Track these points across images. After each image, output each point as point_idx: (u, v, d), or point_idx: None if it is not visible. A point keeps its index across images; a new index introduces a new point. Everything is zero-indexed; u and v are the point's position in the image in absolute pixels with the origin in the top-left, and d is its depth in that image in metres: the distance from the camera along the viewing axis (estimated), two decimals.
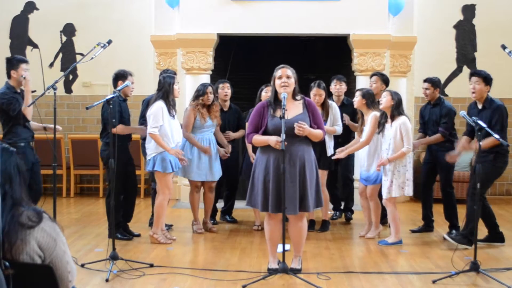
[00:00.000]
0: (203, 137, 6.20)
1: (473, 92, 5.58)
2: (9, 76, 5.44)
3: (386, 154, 5.72)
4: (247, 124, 4.95)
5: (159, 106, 5.57)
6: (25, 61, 5.52)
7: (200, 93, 6.21)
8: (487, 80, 5.55)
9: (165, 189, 5.70)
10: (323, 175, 6.31)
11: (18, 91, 5.44)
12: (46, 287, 2.17)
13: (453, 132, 6.20)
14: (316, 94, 6.15)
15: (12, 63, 5.44)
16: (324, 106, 6.20)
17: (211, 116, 6.24)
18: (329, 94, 6.83)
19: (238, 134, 6.71)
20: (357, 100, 5.99)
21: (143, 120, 6.09)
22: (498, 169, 5.57)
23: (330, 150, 6.21)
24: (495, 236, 5.80)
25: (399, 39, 8.14)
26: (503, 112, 5.49)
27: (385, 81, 6.59)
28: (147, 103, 6.11)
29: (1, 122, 5.56)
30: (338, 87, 6.78)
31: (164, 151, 5.58)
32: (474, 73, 5.70)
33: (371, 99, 5.99)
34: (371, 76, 6.68)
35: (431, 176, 6.41)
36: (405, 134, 5.64)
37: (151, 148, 5.65)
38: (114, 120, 5.54)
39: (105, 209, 6.10)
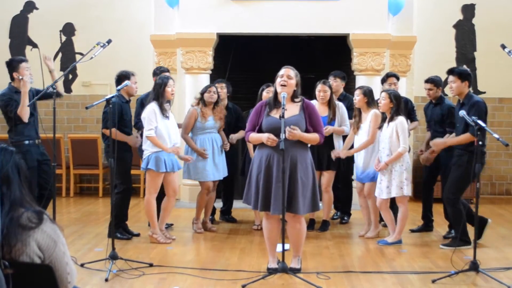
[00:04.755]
0: (205, 138, 6.20)
1: (452, 91, 5.62)
2: (12, 78, 5.47)
3: (383, 154, 5.72)
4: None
5: (151, 108, 5.58)
6: (24, 60, 5.53)
7: (202, 91, 6.25)
8: (462, 76, 5.53)
9: (152, 188, 5.69)
10: (331, 175, 6.31)
11: (20, 91, 5.44)
12: (46, 287, 2.17)
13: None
14: (321, 90, 6.17)
15: (13, 65, 5.47)
16: (331, 105, 6.21)
17: (215, 116, 6.25)
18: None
19: (239, 134, 6.70)
20: (359, 98, 5.99)
21: (137, 120, 6.10)
22: (472, 170, 5.46)
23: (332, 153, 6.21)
24: (480, 225, 5.68)
25: (398, 38, 8.14)
26: (480, 107, 5.38)
27: (398, 79, 6.62)
28: (140, 102, 6.15)
29: (6, 121, 5.59)
30: (334, 83, 6.69)
31: (159, 151, 5.59)
32: (449, 71, 5.69)
33: (371, 97, 6.01)
34: (387, 77, 6.61)
35: (433, 176, 6.39)
36: (401, 134, 5.62)
37: (146, 147, 5.66)
38: (114, 122, 5.56)
39: (109, 209, 6.09)
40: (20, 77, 5.38)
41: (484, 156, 5.56)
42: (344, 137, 6.36)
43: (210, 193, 6.38)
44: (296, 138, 4.55)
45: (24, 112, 5.36)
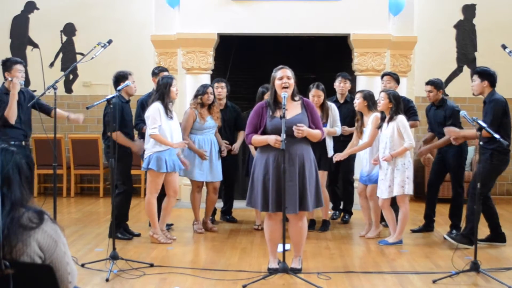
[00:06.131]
0: (204, 138, 6.21)
1: (472, 90, 5.69)
2: (4, 77, 5.47)
3: (382, 154, 5.71)
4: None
5: (155, 107, 5.57)
6: (19, 62, 5.50)
7: (199, 92, 6.23)
8: (481, 75, 5.57)
9: (153, 188, 5.69)
10: (323, 176, 6.31)
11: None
12: (47, 287, 2.17)
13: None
14: (315, 95, 6.16)
15: (6, 65, 5.45)
16: (324, 107, 6.21)
17: (213, 116, 6.25)
18: (332, 92, 6.86)
19: (240, 141, 6.67)
20: (359, 102, 5.98)
21: (138, 121, 6.09)
22: (496, 167, 5.52)
23: (330, 151, 6.22)
24: (497, 236, 5.80)
25: (399, 38, 8.13)
26: (498, 104, 5.43)
27: (397, 80, 6.56)
28: (140, 104, 6.13)
29: None
30: (342, 85, 6.80)
31: (161, 151, 5.58)
32: (472, 71, 5.84)
33: (372, 100, 6.00)
34: (383, 76, 6.65)
35: (440, 176, 6.39)
36: (404, 131, 5.62)
37: (148, 147, 5.66)
38: (114, 125, 5.53)
39: (111, 209, 6.08)
40: (10, 78, 5.35)
41: (507, 154, 5.54)
42: (337, 137, 6.36)
43: (212, 195, 6.38)
44: (304, 135, 4.56)
45: (11, 114, 5.31)
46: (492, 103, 5.44)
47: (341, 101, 6.82)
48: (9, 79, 5.36)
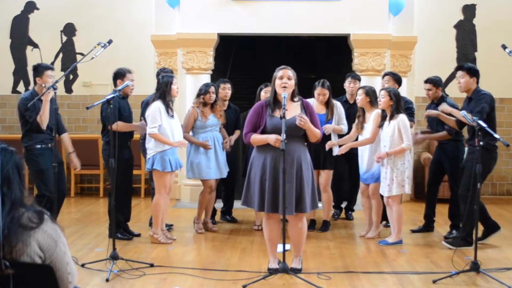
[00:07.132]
0: (207, 136, 6.21)
1: (460, 86, 5.68)
2: (35, 82, 5.56)
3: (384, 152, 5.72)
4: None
5: (156, 106, 5.58)
6: (50, 68, 5.61)
7: (202, 92, 6.24)
8: (470, 71, 5.59)
9: (162, 188, 5.70)
10: (329, 175, 6.32)
11: (42, 98, 5.49)
12: (47, 287, 2.17)
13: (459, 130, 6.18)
14: (320, 93, 6.17)
15: (38, 70, 5.56)
16: (329, 105, 6.22)
17: (216, 115, 6.27)
18: (340, 92, 6.86)
19: (236, 136, 6.73)
20: (361, 98, 5.99)
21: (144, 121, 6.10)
22: (485, 165, 5.49)
23: (335, 150, 6.21)
24: (490, 227, 5.77)
25: (399, 39, 8.14)
26: (488, 99, 5.46)
27: (398, 80, 6.51)
28: (146, 104, 6.13)
29: (20, 124, 5.63)
30: (352, 85, 6.83)
31: (163, 150, 5.59)
32: (458, 67, 5.80)
33: (374, 96, 6.00)
34: (383, 76, 6.65)
35: (439, 176, 6.39)
36: (404, 131, 5.63)
37: (150, 147, 5.66)
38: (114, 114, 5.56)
39: (107, 209, 6.09)
40: (43, 85, 5.43)
41: (495, 151, 5.58)
42: (340, 136, 6.37)
43: (212, 193, 6.39)
44: (306, 127, 4.56)
45: (44, 120, 5.42)
46: (482, 97, 5.48)
47: (351, 102, 6.83)
48: (43, 85, 5.43)
